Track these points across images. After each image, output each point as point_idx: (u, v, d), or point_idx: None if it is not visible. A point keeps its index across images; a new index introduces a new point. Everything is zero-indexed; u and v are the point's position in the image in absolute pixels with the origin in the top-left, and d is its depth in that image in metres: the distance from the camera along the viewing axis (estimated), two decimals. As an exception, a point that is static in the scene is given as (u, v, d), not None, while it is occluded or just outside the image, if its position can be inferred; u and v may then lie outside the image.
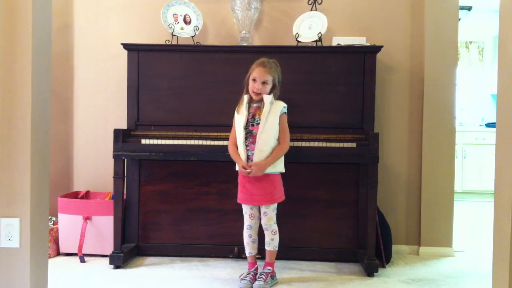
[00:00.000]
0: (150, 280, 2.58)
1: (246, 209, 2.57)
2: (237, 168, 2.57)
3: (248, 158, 2.48)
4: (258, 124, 2.49)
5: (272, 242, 2.54)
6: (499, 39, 1.71)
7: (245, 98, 2.54)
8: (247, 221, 2.57)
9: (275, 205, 2.53)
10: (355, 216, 2.93)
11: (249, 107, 2.54)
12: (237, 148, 2.54)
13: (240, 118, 2.52)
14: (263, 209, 2.52)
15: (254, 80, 2.49)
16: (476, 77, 6.21)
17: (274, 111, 2.49)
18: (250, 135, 2.49)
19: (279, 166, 2.53)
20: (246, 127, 2.50)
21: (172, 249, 2.97)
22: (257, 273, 2.55)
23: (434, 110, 3.13)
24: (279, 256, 2.88)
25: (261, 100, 2.52)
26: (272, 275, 2.53)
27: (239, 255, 2.85)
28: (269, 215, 2.51)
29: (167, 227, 2.98)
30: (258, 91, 2.48)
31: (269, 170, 2.47)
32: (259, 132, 2.46)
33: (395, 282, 2.60)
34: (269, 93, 2.52)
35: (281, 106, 2.53)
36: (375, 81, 2.89)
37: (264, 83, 2.48)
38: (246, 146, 2.49)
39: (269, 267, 2.54)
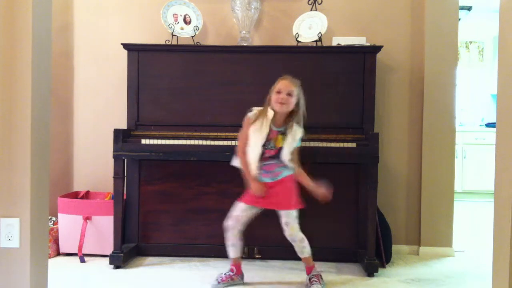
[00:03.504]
0: (150, 280, 2.58)
1: (239, 210, 2.46)
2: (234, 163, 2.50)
3: (274, 176, 2.44)
4: (272, 149, 2.42)
5: (304, 250, 2.47)
6: (499, 39, 1.71)
7: (270, 113, 2.42)
8: (232, 222, 2.46)
9: (295, 212, 2.43)
10: (355, 216, 2.93)
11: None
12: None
13: (258, 134, 2.41)
14: (284, 219, 2.43)
15: (278, 92, 2.39)
16: (476, 77, 6.21)
17: (292, 142, 2.43)
18: (261, 157, 2.42)
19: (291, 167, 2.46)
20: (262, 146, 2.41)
21: (172, 249, 2.97)
22: (232, 275, 2.50)
23: (434, 110, 3.13)
24: (279, 256, 2.89)
25: (282, 124, 2.44)
26: (311, 277, 2.48)
27: (239, 255, 2.85)
28: (291, 225, 2.41)
29: (167, 227, 2.98)
30: (283, 101, 2.37)
31: (285, 172, 2.44)
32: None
33: (395, 282, 2.60)
34: (292, 113, 2.42)
35: (299, 136, 2.45)
36: (375, 81, 2.89)
37: (289, 94, 2.39)
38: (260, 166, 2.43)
39: (315, 270, 2.51)
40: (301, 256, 2.50)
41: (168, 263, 2.86)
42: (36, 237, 1.87)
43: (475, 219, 4.63)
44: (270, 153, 2.43)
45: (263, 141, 2.40)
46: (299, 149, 2.49)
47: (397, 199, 3.19)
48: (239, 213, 2.45)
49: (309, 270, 2.51)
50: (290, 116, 2.44)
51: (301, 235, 2.45)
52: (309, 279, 2.48)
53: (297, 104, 2.43)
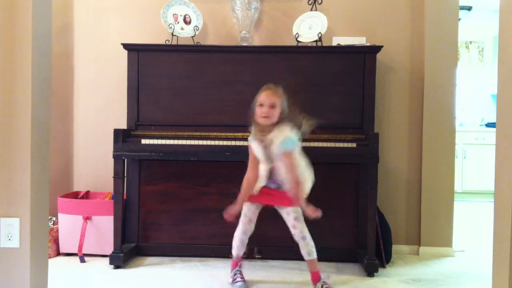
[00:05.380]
0: (150, 280, 2.58)
1: (247, 211, 2.46)
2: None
3: (279, 186, 2.40)
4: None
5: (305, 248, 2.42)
6: (499, 39, 1.71)
7: (253, 129, 2.37)
8: (243, 225, 2.46)
9: (298, 209, 2.38)
10: (355, 216, 2.93)
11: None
12: (252, 182, 2.39)
13: (256, 153, 2.37)
14: (285, 216, 2.43)
15: (261, 105, 2.31)
16: (476, 77, 6.21)
17: (275, 144, 2.30)
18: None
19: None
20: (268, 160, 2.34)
21: (172, 249, 2.97)
22: (240, 270, 2.51)
23: (434, 110, 3.13)
24: (279, 256, 2.89)
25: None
26: (323, 284, 2.38)
27: (239, 255, 2.85)
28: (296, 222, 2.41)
29: (167, 227, 2.98)
30: (266, 114, 2.28)
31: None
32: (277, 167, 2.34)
33: (395, 282, 2.60)
34: (279, 121, 2.32)
35: (285, 136, 2.29)
36: (375, 81, 2.89)
37: (272, 107, 2.30)
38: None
39: (317, 281, 2.41)
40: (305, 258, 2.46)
41: (168, 263, 2.86)
42: (36, 237, 1.88)
43: (475, 219, 4.63)
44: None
45: (262, 155, 2.34)
46: (299, 151, 2.37)
47: (397, 199, 3.19)
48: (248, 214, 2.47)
49: (313, 277, 2.46)
50: (277, 123, 2.33)
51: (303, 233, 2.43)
52: None
53: (282, 111, 2.34)
